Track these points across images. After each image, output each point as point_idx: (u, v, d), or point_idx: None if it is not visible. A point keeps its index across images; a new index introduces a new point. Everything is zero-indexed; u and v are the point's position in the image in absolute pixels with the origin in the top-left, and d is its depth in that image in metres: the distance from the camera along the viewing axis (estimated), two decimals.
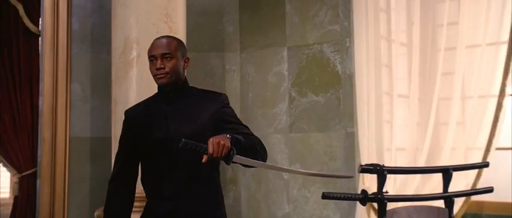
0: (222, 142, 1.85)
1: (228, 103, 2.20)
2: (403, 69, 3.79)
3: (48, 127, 3.96)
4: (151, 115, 2.16)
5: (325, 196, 2.31)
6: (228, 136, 1.91)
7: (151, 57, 2.12)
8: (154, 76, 2.12)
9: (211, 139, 1.87)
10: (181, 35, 2.83)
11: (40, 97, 4.02)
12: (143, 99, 2.33)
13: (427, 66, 3.72)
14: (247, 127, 2.19)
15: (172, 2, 2.72)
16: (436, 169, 2.82)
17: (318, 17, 3.85)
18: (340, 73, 3.78)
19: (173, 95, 2.15)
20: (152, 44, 2.15)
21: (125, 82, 2.60)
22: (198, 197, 2.07)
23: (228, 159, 1.90)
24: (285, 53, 3.98)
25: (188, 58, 2.21)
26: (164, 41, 2.14)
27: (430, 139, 3.42)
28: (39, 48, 4.07)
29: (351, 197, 2.49)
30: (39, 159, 3.99)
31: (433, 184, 3.25)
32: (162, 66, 2.08)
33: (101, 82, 4.10)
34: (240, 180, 4.11)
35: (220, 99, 2.17)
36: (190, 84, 2.25)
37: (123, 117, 2.20)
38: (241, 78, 4.17)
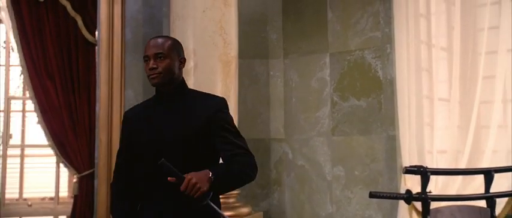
0: (198, 186, 1.79)
1: (226, 109, 2.10)
2: (444, 73, 3.88)
3: (104, 130, 4.21)
4: (145, 116, 2.10)
5: (372, 195, 2.46)
6: (210, 175, 1.84)
7: (145, 57, 2.06)
8: (148, 76, 2.05)
9: (189, 176, 1.80)
10: (234, 45, 3.03)
11: (97, 103, 4.28)
12: None
13: (467, 69, 3.79)
14: (240, 136, 2.06)
15: (226, 14, 2.92)
16: (478, 170, 2.92)
17: (360, 24, 3.98)
18: (381, 78, 3.90)
19: (168, 96, 2.08)
20: (146, 44, 2.09)
21: None
22: (188, 200, 1.90)
23: (198, 202, 1.80)
24: (327, 59, 4.13)
25: (185, 58, 2.13)
26: (159, 40, 2.08)
27: (471, 142, 3.50)
28: (96, 57, 4.34)
29: (397, 197, 2.62)
30: (96, 160, 4.26)
31: (475, 185, 3.33)
32: (154, 66, 2.02)
33: (152, 89, 4.33)
34: (284, 181, 4.28)
35: (217, 103, 2.09)
36: (239, 90, 2.36)
37: None
38: (284, 83, 4.34)
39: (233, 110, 3.00)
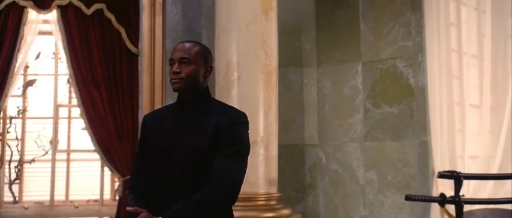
0: None
1: (240, 124, 1.99)
2: (475, 80, 3.99)
3: None
4: (162, 121, 2.04)
5: (408, 198, 2.60)
6: None
7: (170, 61, 2.01)
8: (170, 80, 2.00)
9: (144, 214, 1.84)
10: (274, 57, 3.21)
11: (139, 110, 4.54)
12: None
13: (498, 76, 3.89)
14: (238, 155, 1.96)
15: (267, 28, 3.11)
16: (510, 175, 3.03)
17: (391, 34, 4.12)
18: (412, 86, 4.02)
19: (188, 104, 2.01)
20: (174, 48, 2.05)
21: (228, 100, 2.99)
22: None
23: None
24: (360, 68, 4.27)
25: (211, 67, 2.06)
26: (186, 45, 2.03)
27: (503, 147, 3.60)
28: (139, 67, 4.59)
29: (432, 200, 2.76)
30: None
31: (506, 190, 3.43)
32: (177, 70, 1.96)
33: None
34: (318, 185, 4.43)
35: (232, 117, 1.99)
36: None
37: None
38: (318, 91, 4.50)
39: (273, 119, 3.19)
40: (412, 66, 4.03)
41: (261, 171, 3.09)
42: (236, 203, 3.01)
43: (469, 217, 2.76)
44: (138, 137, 2.16)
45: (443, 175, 2.72)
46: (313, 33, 4.54)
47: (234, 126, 1.96)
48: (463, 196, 2.72)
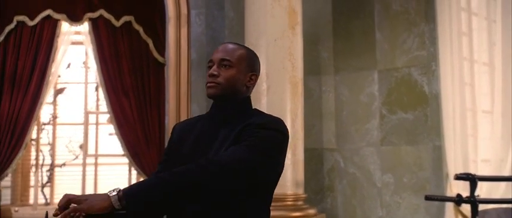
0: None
1: (267, 127, 1.64)
2: (486, 86, 4.20)
3: None
4: (191, 130, 1.78)
5: (427, 198, 2.83)
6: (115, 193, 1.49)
7: (209, 62, 1.74)
8: (205, 84, 1.72)
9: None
10: (300, 68, 3.45)
11: (166, 116, 4.79)
12: None
13: (509, 83, 4.10)
14: (255, 147, 1.59)
15: (294, 42, 3.35)
16: None
17: (406, 44, 4.34)
18: (427, 93, 4.24)
19: (223, 114, 1.72)
20: (216, 49, 1.77)
21: (258, 108, 3.24)
22: None
23: None
24: (376, 76, 4.49)
25: (256, 75, 1.77)
26: (229, 46, 1.75)
27: None
28: (165, 76, 4.84)
29: (449, 199, 2.98)
30: None
31: None
32: (215, 73, 1.69)
33: None
34: (337, 187, 4.65)
35: (261, 120, 1.68)
36: None
37: None
38: (336, 98, 4.72)
39: (299, 125, 3.42)
40: (426, 74, 4.25)
41: (289, 174, 3.33)
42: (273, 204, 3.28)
43: (484, 215, 2.99)
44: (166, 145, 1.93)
45: (459, 177, 2.94)
46: (330, 43, 4.76)
47: (260, 127, 1.62)
48: (478, 196, 2.94)
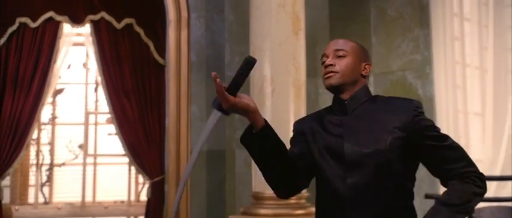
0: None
1: (422, 112, 1.72)
2: (477, 89, 4.36)
3: (173, 141, 4.80)
4: (325, 127, 1.78)
5: (427, 196, 2.96)
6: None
7: (323, 57, 1.77)
8: (322, 77, 1.76)
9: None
10: (303, 72, 3.57)
11: (166, 117, 4.87)
12: (277, 122, 3.06)
13: (500, 86, 4.27)
14: (448, 139, 1.71)
15: (297, 47, 3.47)
16: None
17: (401, 48, 4.49)
18: (421, 96, 4.39)
19: (350, 103, 1.74)
20: (329, 43, 1.81)
21: (263, 110, 3.35)
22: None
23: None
24: (372, 79, 4.63)
25: (369, 64, 1.79)
26: (340, 40, 1.80)
27: (504, 152, 3.98)
28: (165, 77, 4.93)
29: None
30: (166, 168, 4.84)
31: (508, 190, 3.81)
32: (331, 63, 1.72)
33: None
34: None
35: (410, 108, 1.69)
36: None
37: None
38: (332, 99, 4.84)
39: None
40: (421, 78, 4.40)
41: None
42: (271, 202, 3.41)
43: (478, 213, 3.13)
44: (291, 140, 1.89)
45: None
46: None
47: (420, 117, 1.73)
48: None
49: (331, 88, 1.77)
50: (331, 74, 1.73)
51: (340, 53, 1.75)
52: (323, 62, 1.78)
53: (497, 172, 3.94)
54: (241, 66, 1.61)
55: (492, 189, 3.85)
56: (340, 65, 1.73)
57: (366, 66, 1.79)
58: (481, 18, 4.46)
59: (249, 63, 1.60)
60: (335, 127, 1.74)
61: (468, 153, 4.09)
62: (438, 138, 1.69)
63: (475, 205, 1.68)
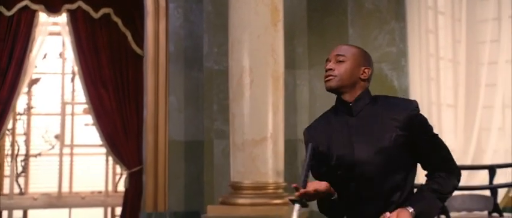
0: None
1: (418, 111, 1.86)
2: (450, 81, 4.47)
3: (151, 132, 4.79)
4: (332, 129, 1.91)
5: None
6: (410, 210, 1.70)
7: (326, 62, 1.93)
8: (324, 79, 1.92)
9: (388, 215, 1.70)
10: (281, 63, 3.61)
11: (144, 108, 4.85)
12: (255, 113, 3.11)
13: (471, 78, 4.38)
14: (437, 138, 1.87)
15: (276, 38, 3.51)
16: (484, 166, 3.53)
17: (377, 41, 4.56)
18: (396, 87, 4.47)
19: (355, 106, 1.87)
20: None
21: (241, 101, 3.39)
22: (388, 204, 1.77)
23: None
24: None
25: (369, 69, 1.90)
26: (343, 46, 1.94)
27: (475, 143, 4.10)
28: (143, 68, 4.91)
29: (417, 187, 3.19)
30: (144, 158, 4.84)
31: (478, 179, 3.93)
32: (331, 68, 1.87)
33: (193, 96, 4.93)
34: (310, 176, 4.84)
35: (409, 108, 1.84)
36: None
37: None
38: (309, 91, 4.90)
39: (280, 118, 3.59)
40: (396, 70, 4.48)
41: (270, 163, 3.49)
42: (249, 191, 3.45)
43: (450, 201, 3.23)
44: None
45: None
46: (305, 38, 4.93)
47: (417, 117, 1.85)
48: None
49: (330, 90, 1.92)
50: (330, 77, 1.88)
51: (340, 58, 1.89)
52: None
53: (468, 162, 4.06)
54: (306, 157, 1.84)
55: (463, 178, 3.95)
56: (339, 70, 1.87)
57: (365, 70, 1.90)
58: (455, 12, 4.57)
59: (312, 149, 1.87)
60: (343, 129, 1.89)
61: None
62: (432, 137, 1.87)
63: (451, 195, 1.92)
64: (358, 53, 1.92)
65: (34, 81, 5.37)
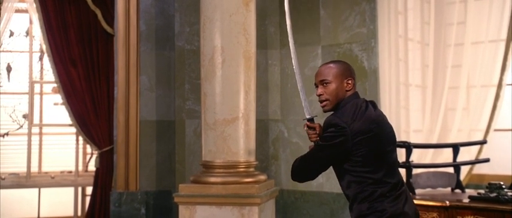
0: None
1: (327, 128, 2.20)
2: (418, 62, 4.56)
3: (122, 112, 4.76)
4: None
5: None
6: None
7: (315, 85, 2.28)
8: (320, 105, 2.27)
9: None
10: (253, 43, 3.62)
11: (115, 87, 4.82)
12: (227, 93, 3.13)
13: (439, 60, 4.48)
14: (315, 150, 2.38)
15: (248, 18, 3.51)
16: (448, 145, 3.64)
17: (348, 21, 4.61)
18: (366, 68, 4.55)
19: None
20: (316, 72, 2.30)
21: (213, 80, 3.39)
22: (348, 197, 2.31)
23: None
24: (319, 51, 4.75)
25: (351, 78, 2.24)
26: (322, 68, 2.26)
27: (441, 122, 4.22)
28: (114, 47, 4.85)
29: None
30: (115, 138, 4.82)
31: (443, 157, 4.06)
32: (321, 93, 2.22)
33: (164, 75, 4.91)
34: (281, 156, 4.92)
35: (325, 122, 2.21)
36: None
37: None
38: (281, 71, 4.95)
39: (252, 97, 3.62)
40: (366, 51, 4.55)
41: (241, 142, 3.53)
42: (220, 170, 3.49)
43: (416, 178, 3.34)
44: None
45: (397, 144, 3.26)
46: (277, 18, 4.95)
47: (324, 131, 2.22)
48: (412, 161, 3.29)
49: (327, 111, 2.27)
50: (324, 103, 2.24)
51: (325, 82, 2.22)
52: (316, 88, 2.28)
53: (434, 140, 4.18)
54: None
55: (429, 156, 4.10)
56: (327, 93, 2.21)
57: (349, 81, 2.23)
58: None
59: None
60: None
61: (408, 123, 4.34)
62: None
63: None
64: (338, 71, 2.22)
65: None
